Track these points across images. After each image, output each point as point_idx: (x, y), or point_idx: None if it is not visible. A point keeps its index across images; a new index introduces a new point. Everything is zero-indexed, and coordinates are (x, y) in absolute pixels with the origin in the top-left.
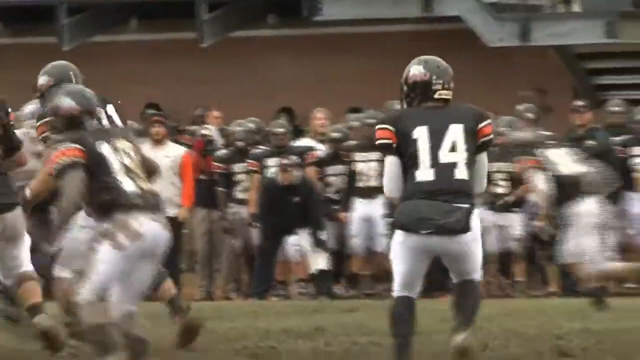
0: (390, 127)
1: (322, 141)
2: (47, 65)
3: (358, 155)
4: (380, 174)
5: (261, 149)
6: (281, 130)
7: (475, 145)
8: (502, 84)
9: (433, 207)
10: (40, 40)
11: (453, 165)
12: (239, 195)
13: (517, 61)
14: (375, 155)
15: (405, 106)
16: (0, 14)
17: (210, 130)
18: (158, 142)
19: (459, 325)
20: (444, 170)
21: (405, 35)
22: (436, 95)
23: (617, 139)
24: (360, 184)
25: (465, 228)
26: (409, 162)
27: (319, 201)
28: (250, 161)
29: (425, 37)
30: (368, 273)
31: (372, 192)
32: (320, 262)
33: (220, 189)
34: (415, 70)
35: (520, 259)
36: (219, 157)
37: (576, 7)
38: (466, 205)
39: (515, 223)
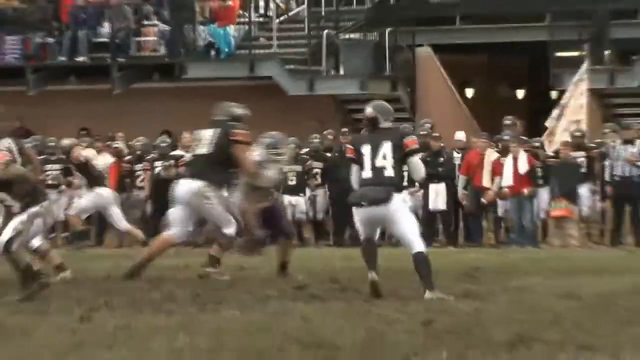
0: (352, 147)
1: (187, 151)
2: None
3: None
4: None
5: (151, 155)
6: (164, 144)
7: (402, 153)
8: (297, 118)
9: (370, 190)
10: (99, 87)
11: (383, 168)
12: (139, 184)
13: (306, 104)
14: None
15: (363, 131)
16: (75, 70)
17: (119, 144)
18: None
19: (424, 287)
20: (377, 171)
21: (237, 88)
22: (380, 126)
23: None
24: None
25: (387, 199)
26: (360, 167)
27: None
28: (145, 163)
29: (249, 89)
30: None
31: None
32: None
33: (126, 179)
34: (368, 109)
35: None
36: (126, 160)
37: (342, 71)
38: (390, 188)
39: None
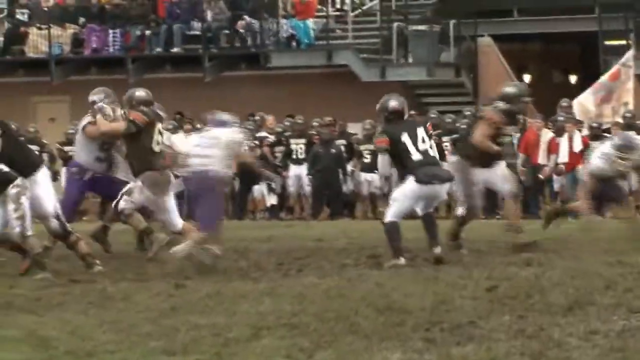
0: (388, 137)
1: (271, 133)
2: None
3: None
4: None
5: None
6: (250, 126)
7: (428, 136)
8: (370, 102)
9: (437, 169)
10: (192, 75)
11: (427, 150)
12: None
13: (378, 90)
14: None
15: (385, 123)
16: (170, 60)
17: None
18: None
19: (431, 243)
20: (425, 153)
21: (316, 75)
22: (405, 117)
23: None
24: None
25: (451, 178)
26: (406, 153)
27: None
28: None
29: (327, 76)
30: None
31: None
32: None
33: None
34: (394, 103)
35: None
36: None
37: (410, 59)
38: (444, 167)
39: None
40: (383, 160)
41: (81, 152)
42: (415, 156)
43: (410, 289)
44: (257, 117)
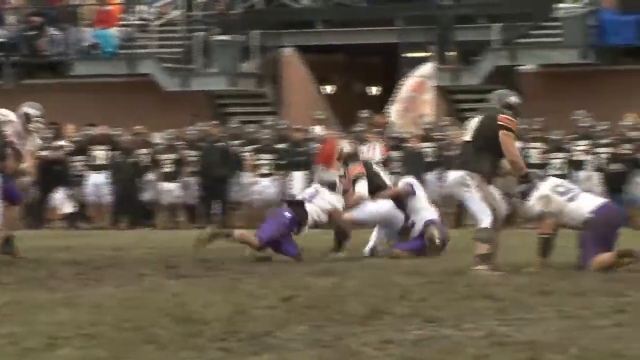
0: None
1: (70, 142)
2: None
3: None
4: None
5: None
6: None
7: None
8: (173, 112)
9: None
10: None
11: None
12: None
13: (181, 99)
14: None
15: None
16: None
17: None
18: None
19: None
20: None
21: (119, 84)
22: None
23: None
24: None
25: None
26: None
27: None
28: None
29: (130, 85)
30: None
31: None
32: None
33: None
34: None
35: None
36: None
37: (213, 69)
38: None
39: None
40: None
41: None
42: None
43: (209, 299)
44: (56, 126)
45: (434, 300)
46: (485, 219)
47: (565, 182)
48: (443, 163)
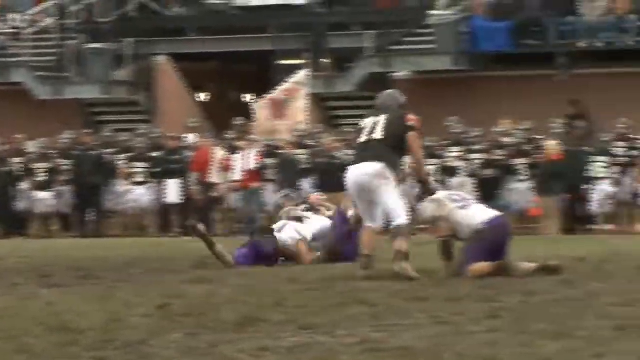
0: None
1: None
2: None
3: None
4: None
5: None
6: None
7: None
8: (46, 120)
9: None
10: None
11: None
12: None
13: (54, 108)
14: None
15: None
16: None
17: None
18: None
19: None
20: None
21: None
22: None
23: None
24: None
25: None
26: None
27: None
28: None
29: (2, 93)
30: None
31: None
32: None
33: None
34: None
35: None
36: None
37: (86, 77)
38: None
39: None
40: None
41: None
42: None
43: (83, 308)
44: None
45: (310, 307)
46: (404, 215)
47: (461, 194)
48: (316, 170)
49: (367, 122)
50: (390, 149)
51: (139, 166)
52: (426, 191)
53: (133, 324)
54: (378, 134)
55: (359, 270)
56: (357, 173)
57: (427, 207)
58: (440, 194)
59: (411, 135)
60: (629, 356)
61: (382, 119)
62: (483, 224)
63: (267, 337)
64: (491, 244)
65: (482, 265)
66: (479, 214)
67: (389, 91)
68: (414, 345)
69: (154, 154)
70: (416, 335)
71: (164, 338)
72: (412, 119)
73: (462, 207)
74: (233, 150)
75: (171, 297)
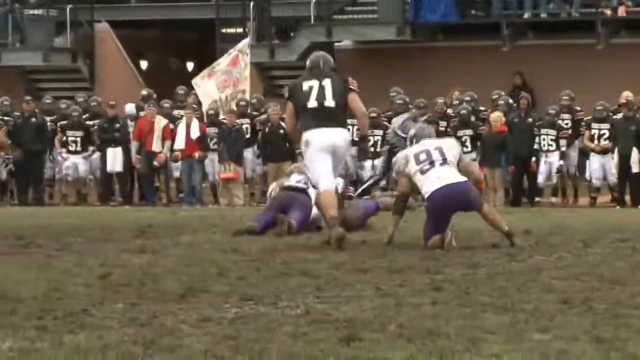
0: None
1: None
2: None
3: None
4: None
5: None
6: None
7: None
8: None
9: None
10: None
11: None
12: None
13: None
14: None
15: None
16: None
17: None
18: None
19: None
20: None
21: None
22: None
23: None
24: None
25: None
26: None
27: None
28: None
29: None
30: None
31: None
32: None
33: None
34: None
35: None
36: None
37: (26, 44)
38: None
39: None
40: None
41: None
42: None
43: (23, 277)
44: None
45: (252, 278)
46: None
47: (433, 153)
48: (259, 140)
49: (310, 86)
50: (343, 117)
51: (77, 135)
52: (363, 149)
53: (73, 294)
54: (330, 101)
55: (337, 231)
56: (331, 137)
57: (396, 161)
58: (413, 149)
59: (354, 96)
60: (573, 330)
61: (327, 84)
62: (427, 193)
63: (209, 307)
64: (435, 218)
65: (434, 240)
66: (429, 183)
67: (319, 53)
68: (357, 317)
69: (92, 122)
70: (360, 307)
71: (105, 308)
72: (353, 82)
73: (421, 171)
74: (175, 119)
75: (112, 266)
